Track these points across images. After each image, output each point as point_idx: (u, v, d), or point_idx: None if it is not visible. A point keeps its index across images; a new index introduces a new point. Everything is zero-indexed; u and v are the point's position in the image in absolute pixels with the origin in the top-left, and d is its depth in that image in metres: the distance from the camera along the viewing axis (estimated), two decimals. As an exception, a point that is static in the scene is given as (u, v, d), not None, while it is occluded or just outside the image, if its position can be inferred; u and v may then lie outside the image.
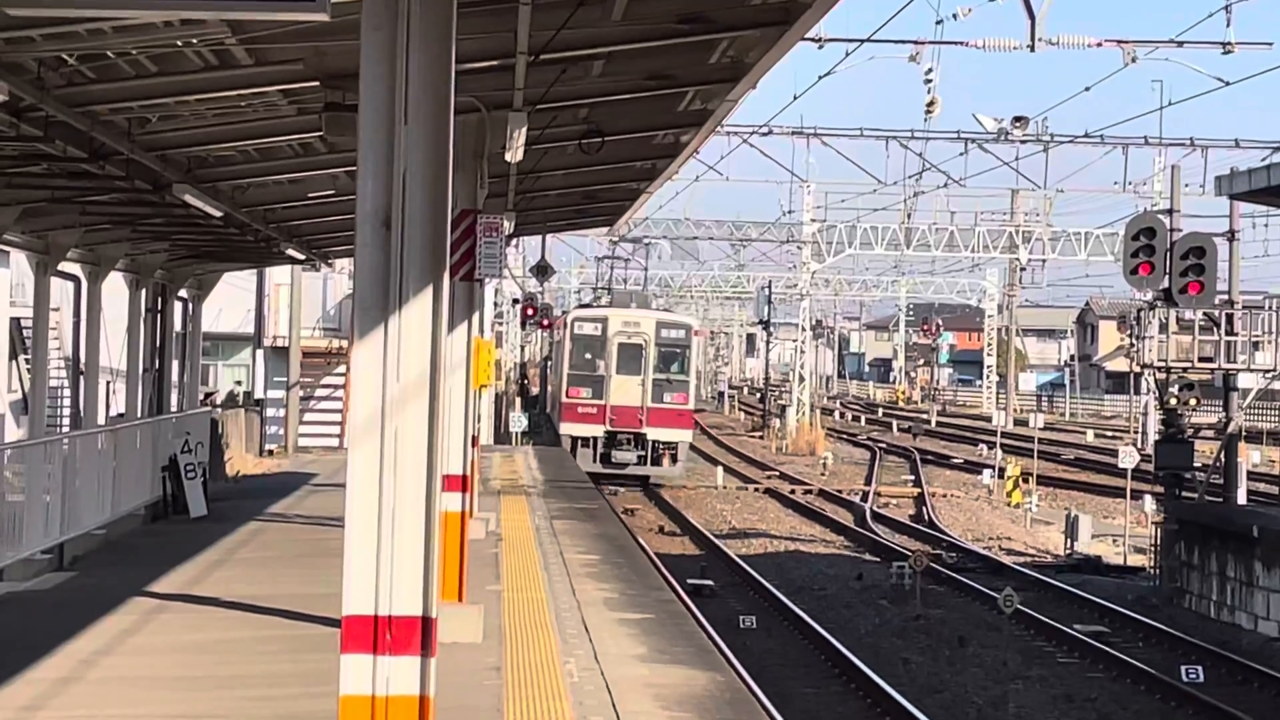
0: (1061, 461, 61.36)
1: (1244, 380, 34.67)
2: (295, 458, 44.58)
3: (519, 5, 13.24)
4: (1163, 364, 33.84)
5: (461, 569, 16.86)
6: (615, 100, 18.32)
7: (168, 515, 27.11)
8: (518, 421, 60.30)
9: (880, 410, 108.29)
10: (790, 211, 76.43)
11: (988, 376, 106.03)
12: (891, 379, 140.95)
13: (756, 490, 50.89)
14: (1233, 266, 34.75)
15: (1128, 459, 39.46)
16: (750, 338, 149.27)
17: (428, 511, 8.11)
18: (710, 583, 30.43)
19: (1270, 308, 35.71)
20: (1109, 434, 79.98)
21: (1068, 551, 37.20)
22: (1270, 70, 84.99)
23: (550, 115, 17.78)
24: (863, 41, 34.51)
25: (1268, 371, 35.87)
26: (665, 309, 62.40)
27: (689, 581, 29.59)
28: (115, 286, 28.73)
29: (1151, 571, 33.75)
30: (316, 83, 15.08)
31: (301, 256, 31.61)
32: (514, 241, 58.59)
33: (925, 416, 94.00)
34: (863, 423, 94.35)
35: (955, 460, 62.40)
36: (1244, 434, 40.58)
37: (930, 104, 38.61)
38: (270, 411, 47.62)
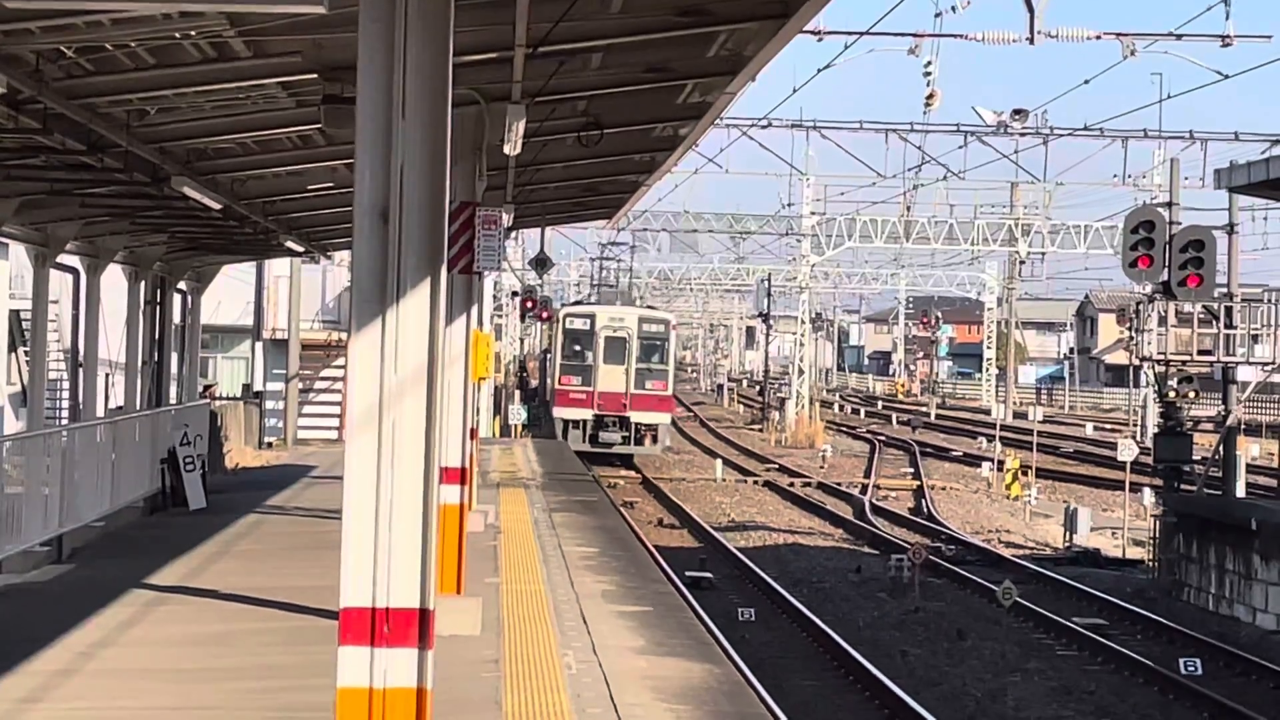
0: (1061, 454, 61.38)
1: (1243, 373, 34.68)
2: (294, 450, 44.59)
3: (517, -2, 13.24)
4: (1162, 357, 33.86)
5: (460, 561, 16.88)
6: (614, 93, 18.32)
7: (167, 507, 27.11)
8: (517, 414, 60.34)
9: (879, 403, 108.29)
10: (790, 204, 76.53)
11: (987, 369, 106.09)
12: (891, 372, 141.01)
13: (755, 483, 50.92)
14: (1232, 259, 34.77)
15: (1127, 452, 39.49)
16: (750, 330, 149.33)
17: (425, 504, 8.13)
18: (709, 575, 30.44)
19: (1269, 301, 35.73)
20: (1108, 427, 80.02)
21: (1066, 544, 37.23)
22: (1270, 63, 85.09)
23: (549, 108, 17.79)
24: (862, 34, 34.55)
25: (1267, 364, 35.89)
26: (648, 306, 67.84)
27: (688, 574, 29.60)
28: (114, 279, 28.73)
29: (1150, 564, 33.77)
30: (315, 75, 15.09)
31: (300, 249, 31.62)
32: (513, 234, 58.64)
33: (924, 409, 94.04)
34: (862, 415, 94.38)
35: (954, 453, 62.41)
36: (1243, 427, 40.60)
37: (929, 97, 38.62)
38: (269, 404, 47.64)
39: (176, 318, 33.00)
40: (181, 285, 32.74)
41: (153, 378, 30.72)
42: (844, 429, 79.23)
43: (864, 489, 48.59)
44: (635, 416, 53.72)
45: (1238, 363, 34.07)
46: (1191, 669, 23.03)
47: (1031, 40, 33.30)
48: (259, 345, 49.37)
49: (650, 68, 17.07)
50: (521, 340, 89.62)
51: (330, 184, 23.57)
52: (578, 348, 54.54)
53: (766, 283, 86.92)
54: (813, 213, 75.88)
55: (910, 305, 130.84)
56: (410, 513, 8.11)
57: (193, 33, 13.97)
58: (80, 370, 29.13)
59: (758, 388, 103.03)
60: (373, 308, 8.11)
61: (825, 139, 59.93)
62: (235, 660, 15.01)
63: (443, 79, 8.18)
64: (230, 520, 25.49)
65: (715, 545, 35.47)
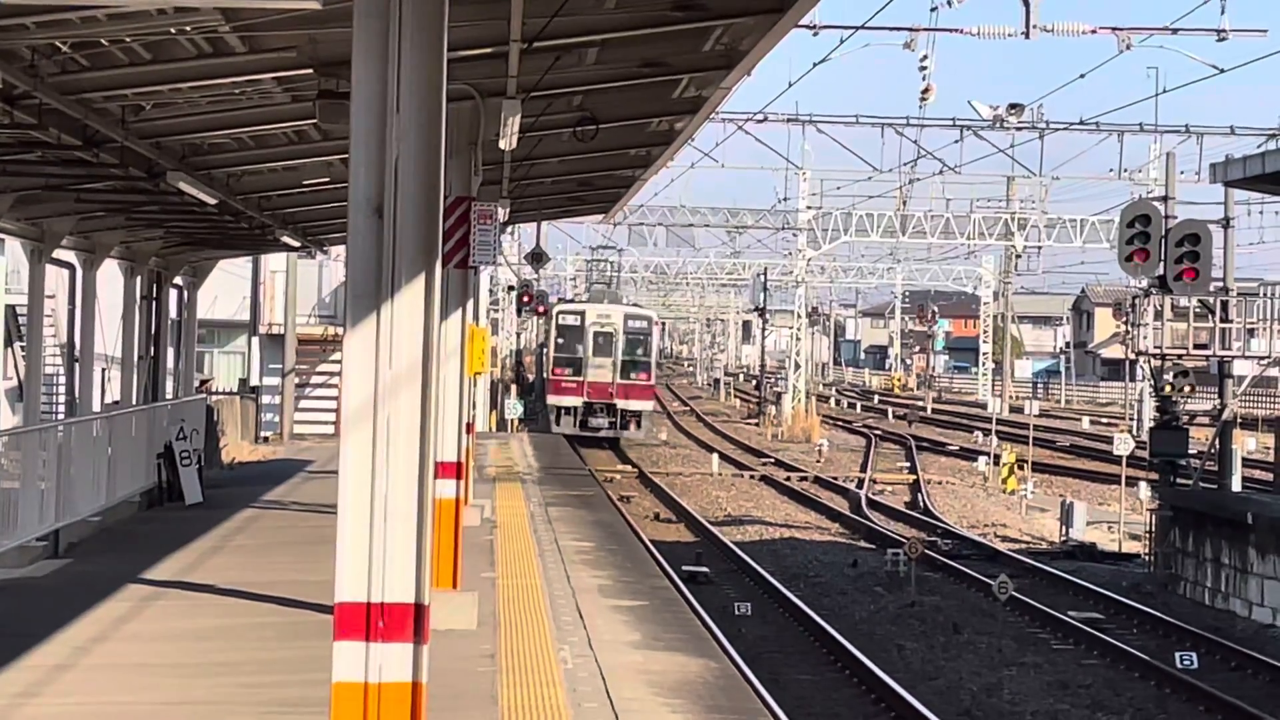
0: (1057, 448, 61.41)
1: (1239, 367, 34.71)
2: (291, 445, 44.61)
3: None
4: (1158, 351, 33.87)
5: (456, 556, 16.88)
6: (609, 88, 18.31)
7: (163, 502, 27.12)
8: (514, 408, 60.37)
9: (876, 397, 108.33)
10: (786, 198, 76.57)
11: (983, 363, 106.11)
12: (887, 366, 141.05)
13: (752, 477, 50.94)
14: (1228, 253, 34.77)
15: (1123, 446, 39.50)
16: (746, 324, 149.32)
17: (420, 499, 8.13)
18: (705, 569, 30.46)
19: (1265, 295, 35.73)
20: (1105, 421, 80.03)
21: (1063, 538, 37.24)
22: (1265, 57, 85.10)
23: (544, 103, 17.78)
24: (857, 29, 34.60)
25: (1262, 358, 35.90)
26: (634, 304, 73.14)
27: (684, 568, 29.61)
28: (110, 274, 28.73)
29: (1146, 558, 33.80)
30: (310, 70, 15.09)
31: (296, 244, 31.61)
32: (509, 229, 58.63)
33: (921, 403, 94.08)
34: (858, 410, 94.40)
35: (951, 447, 62.44)
36: (1239, 421, 40.62)
37: (925, 91, 38.64)
38: (266, 399, 47.65)
39: (173, 313, 32.99)
40: (178, 280, 32.72)
41: (149, 373, 30.71)
42: (840, 423, 79.25)
43: (860, 483, 48.60)
44: (621, 404, 59.20)
45: (1234, 357, 34.09)
46: (1187, 663, 23.05)
47: (1027, 34, 33.36)
48: (255, 340, 49.37)
49: (645, 62, 17.07)
50: (518, 335, 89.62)
51: (326, 179, 23.57)
52: (569, 342, 59.80)
53: (763, 277, 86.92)
54: (809, 207, 75.87)
55: (906, 300, 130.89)
56: (405, 508, 8.11)
57: (188, 28, 13.96)
58: (76, 365, 29.13)
59: (754, 382, 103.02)
60: (367, 303, 8.11)
61: (821, 133, 60.00)
62: (231, 655, 15.02)
63: (437, 74, 8.18)
64: (226, 515, 25.50)
65: (711, 540, 35.49)
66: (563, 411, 59.20)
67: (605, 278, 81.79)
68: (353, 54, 8.14)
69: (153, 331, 30.88)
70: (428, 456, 8.15)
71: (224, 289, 46.34)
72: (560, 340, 60.47)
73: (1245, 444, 48.59)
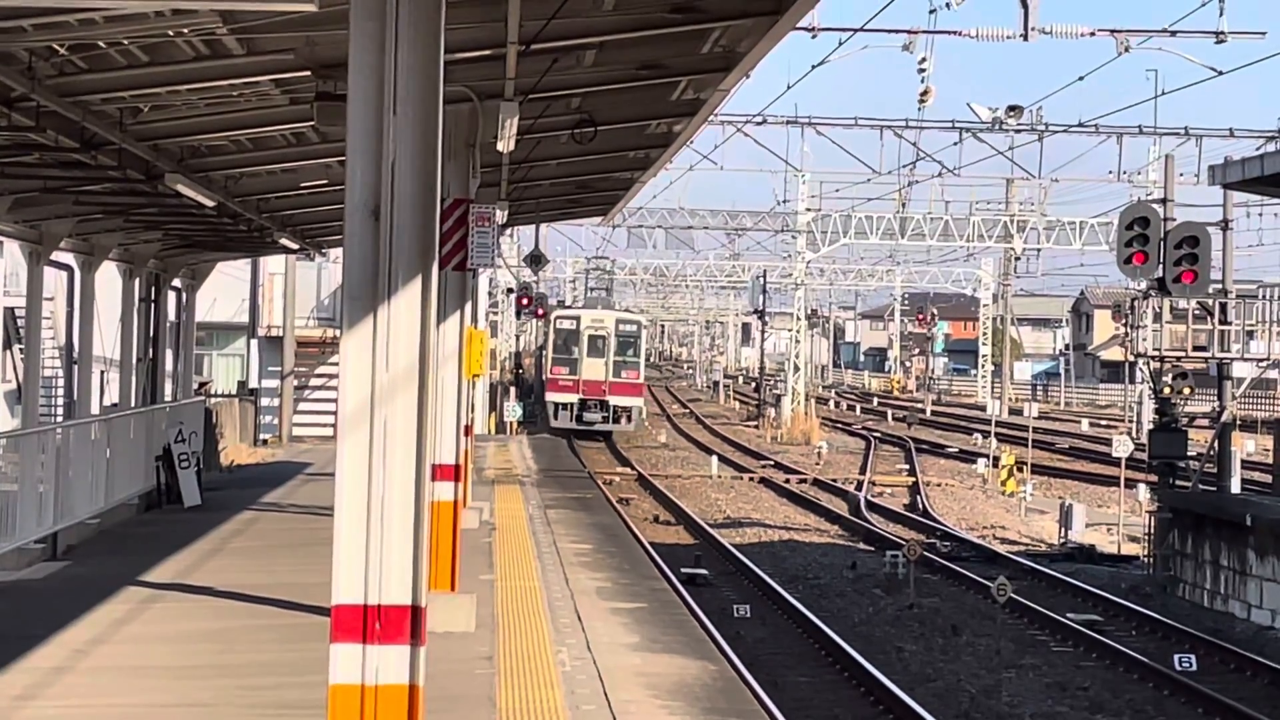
0: (1056, 450, 61.40)
1: (1238, 369, 34.71)
2: (290, 447, 44.61)
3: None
4: (1157, 353, 33.86)
5: (454, 558, 16.89)
6: (607, 90, 18.31)
7: (161, 505, 27.11)
8: (513, 411, 60.41)
9: (875, 399, 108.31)
10: (785, 200, 76.47)
11: (983, 366, 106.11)
12: (887, 368, 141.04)
13: (751, 479, 50.93)
14: (1226, 255, 34.77)
15: (1122, 448, 39.49)
16: (745, 327, 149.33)
17: (417, 501, 8.13)
18: (704, 572, 30.44)
19: (1264, 297, 35.74)
20: (1104, 423, 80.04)
21: (1062, 540, 37.24)
22: (1264, 59, 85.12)
23: (543, 105, 17.78)
24: (856, 31, 34.48)
25: (1261, 360, 35.90)
26: (625, 309, 79.60)
27: (683, 570, 29.60)
28: (109, 276, 28.72)
29: (1145, 560, 33.79)
30: (308, 72, 15.09)
31: (295, 246, 31.60)
32: (508, 231, 58.69)
33: (920, 406, 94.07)
34: (858, 412, 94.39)
35: (950, 449, 62.43)
36: (1238, 423, 40.63)
37: (924, 93, 38.64)
38: (265, 401, 47.64)
39: (171, 315, 32.96)
40: (176, 282, 32.71)
41: (148, 375, 30.69)
42: (839, 425, 79.24)
43: (859, 485, 48.60)
44: (613, 400, 64.40)
45: (1232, 359, 34.09)
46: (1186, 665, 23.04)
47: (1026, 37, 33.36)
48: (254, 342, 49.36)
49: (644, 65, 17.07)
50: (517, 337, 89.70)
51: (324, 181, 23.56)
52: (566, 344, 65.29)
53: (762, 279, 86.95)
54: (808, 209, 75.87)
55: (906, 302, 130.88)
56: (402, 510, 8.11)
57: (185, 30, 13.96)
58: (75, 367, 29.12)
59: (753, 384, 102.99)
60: (364, 305, 8.11)
61: (820, 135, 59.94)
62: (230, 657, 15.02)
63: (434, 76, 8.18)
64: (225, 517, 25.50)
65: (711, 542, 35.48)
66: (560, 407, 64.38)
67: (601, 285, 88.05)
68: (349, 56, 8.14)
69: (151, 334, 30.85)
70: (424, 459, 8.16)
71: (223, 291, 46.32)
72: (558, 342, 65.77)
73: (1244, 446, 48.58)
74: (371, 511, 8.10)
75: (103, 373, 36.99)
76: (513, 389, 71.05)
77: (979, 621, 26.65)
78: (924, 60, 38.31)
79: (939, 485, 49.71)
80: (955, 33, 37.82)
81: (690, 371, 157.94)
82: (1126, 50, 37.69)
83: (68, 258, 27.65)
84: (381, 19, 8.10)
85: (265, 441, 45.74)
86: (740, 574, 31.27)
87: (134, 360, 29.30)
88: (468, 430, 24.00)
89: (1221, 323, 33.57)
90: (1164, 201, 34.26)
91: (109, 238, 26.32)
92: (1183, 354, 34.09)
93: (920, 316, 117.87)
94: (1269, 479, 38.46)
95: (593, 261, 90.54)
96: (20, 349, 36.97)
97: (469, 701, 12.98)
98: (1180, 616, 27.60)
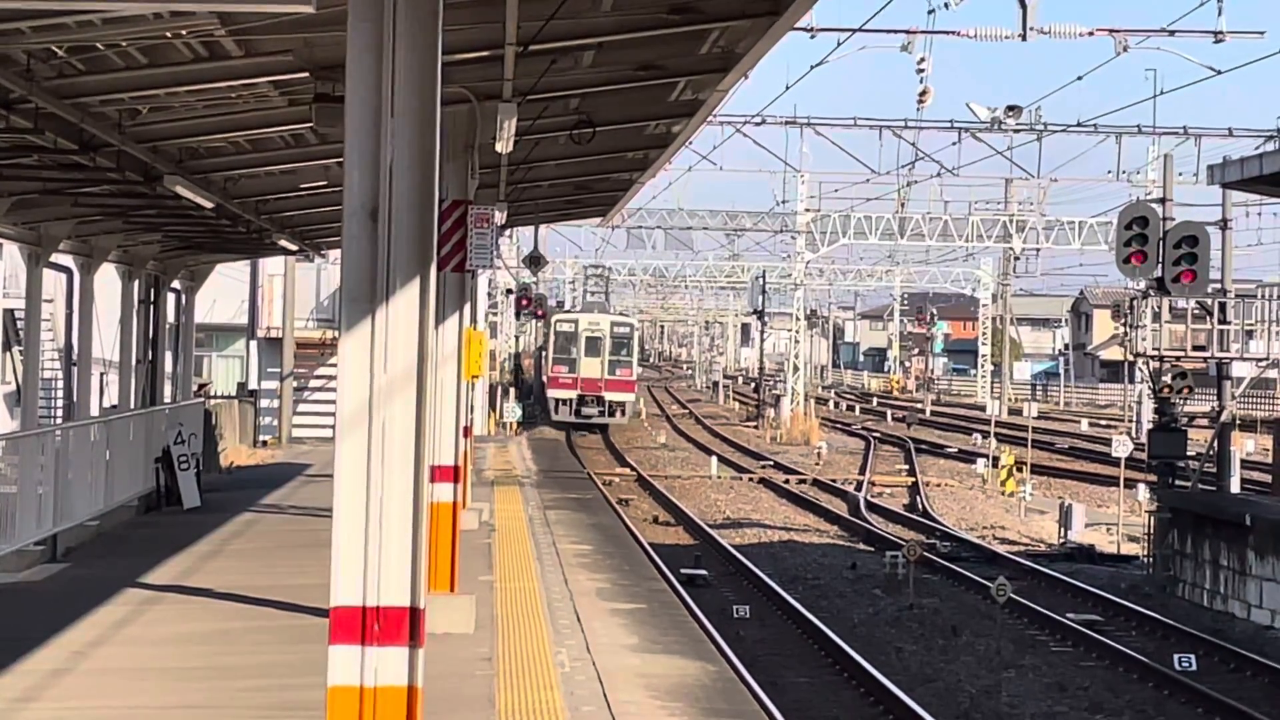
0: (1056, 450, 61.39)
1: (1237, 369, 34.71)
2: (289, 449, 44.61)
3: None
4: (1156, 353, 33.86)
5: (453, 560, 16.89)
6: (606, 91, 18.31)
7: (161, 506, 27.11)
8: (512, 412, 60.40)
9: (875, 400, 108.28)
10: (784, 201, 76.46)
11: (982, 366, 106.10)
12: (886, 368, 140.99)
13: (751, 480, 50.93)
14: (1225, 255, 34.77)
15: (1121, 448, 39.49)
16: (745, 327, 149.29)
17: (416, 502, 8.13)
18: (704, 572, 30.44)
19: (1263, 296, 35.74)
20: (1103, 423, 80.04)
21: (1061, 540, 37.24)
22: (1263, 59, 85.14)
23: (541, 106, 17.78)
24: (854, 31, 34.52)
25: (1261, 360, 35.90)
26: (620, 313, 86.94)
27: (682, 571, 29.60)
28: (108, 278, 28.73)
29: (1145, 560, 33.79)
30: (306, 74, 15.09)
31: (294, 247, 31.62)
32: (507, 232, 58.71)
33: (920, 406, 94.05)
34: (857, 412, 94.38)
35: (949, 449, 62.42)
36: (1237, 422, 40.64)
37: (923, 93, 38.65)
38: (264, 402, 47.64)
39: (171, 316, 32.97)
40: (175, 284, 32.72)
41: (147, 376, 30.70)
42: (839, 426, 79.24)
43: (859, 486, 48.59)
44: (608, 396, 70.39)
45: (1232, 358, 34.08)
46: (1186, 665, 23.04)
47: (1024, 37, 33.39)
48: (253, 344, 49.36)
49: (642, 65, 17.07)
50: (517, 338, 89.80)
51: (323, 182, 23.57)
52: (565, 344, 71.40)
53: (761, 280, 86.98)
54: (807, 209, 75.86)
55: (905, 302, 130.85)
56: (400, 512, 8.11)
57: (184, 32, 13.96)
58: (74, 369, 29.12)
59: (753, 385, 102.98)
60: (362, 307, 8.11)
61: (819, 135, 59.91)
62: (229, 659, 15.02)
63: (432, 77, 8.18)
64: (225, 519, 25.50)
65: (710, 542, 35.47)
66: (560, 402, 70.39)
67: (599, 291, 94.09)
68: (347, 58, 8.14)
69: (151, 335, 30.86)
70: (423, 460, 8.16)
71: (222, 293, 46.34)
72: (558, 343, 71.83)
73: (1244, 446, 48.59)
74: (370, 513, 8.10)
75: (102, 374, 36.99)
76: (512, 390, 71.13)
77: (979, 622, 26.64)
78: (922, 60, 38.34)
79: (938, 485, 49.71)
80: (954, 33, 37.86)
81: (690, 372, 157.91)
82: (1125, 50, 37.71)
83: (67, 260, 27.65)
84: (379, 20, 8.10)
85: (265, 443, 45.74)
86: (740, 575, 31.26)
87: (133, 362, 29.31)
88: (467, 431, 24.01)
89: (1221, 322, 33.56)
90: (1163, 201, 34.27)
91: (108, 239, 26.33)
92: (1182, 354, 34.09)
93: (919, 316, 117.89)
94: (1268, 479, 38.46)
95: (590, 270, 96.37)
96: (20, 351, 36.98)
97: (468, 702, 12.98)
98: (1180, 616, 27.60)
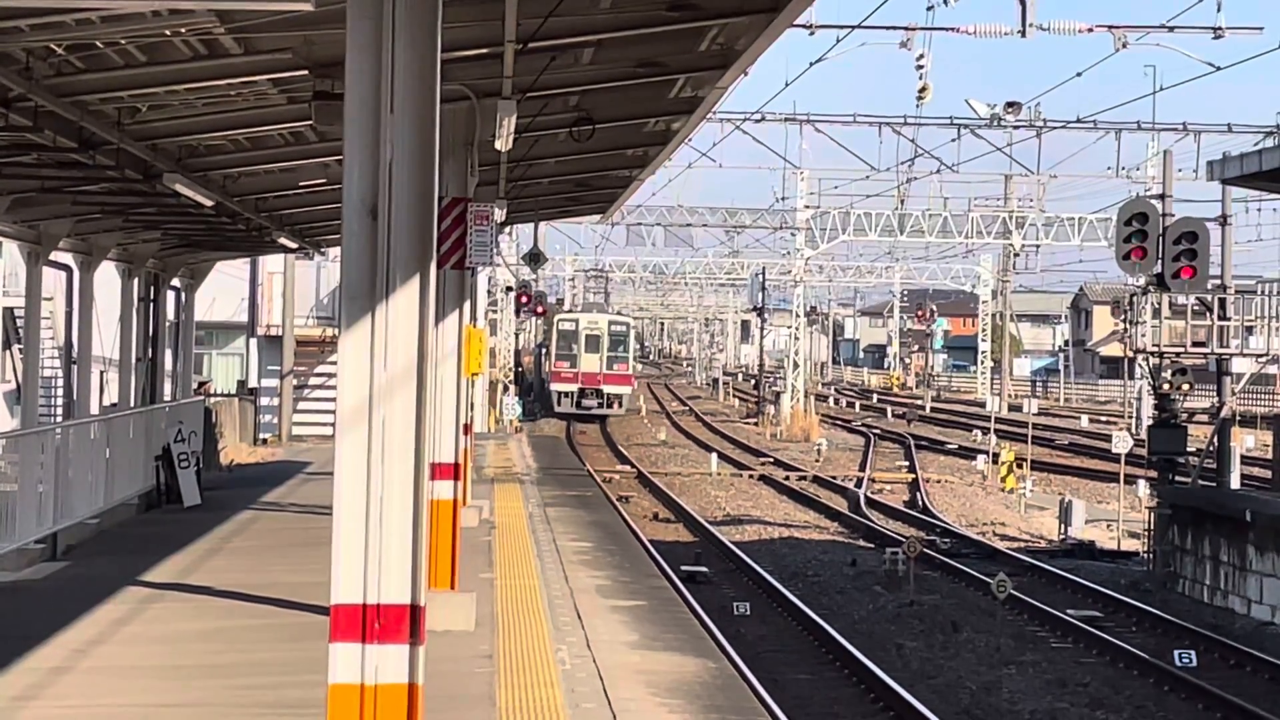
0: (1056, 447, 61.39)
1: (1237, 365, 34.68)
2: (289, 446, 44.60)
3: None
4: (1156, 349, 33.85)
5: (454, 557, 16.88)
6: (605, 88, 18.31)
7: (161, 504, 27.11)
8: (512, 409, 60.36)
9: (875, 396, 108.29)
10: (784, 198, 76.45)
11: (982, 362, 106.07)
12: (886, 365, 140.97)
13: (751, 477, 50.92)
14: (1225, 251, 34.75)
15: (1121, 444, 39.48)
16: (744, 324, 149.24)
17: (416, 500, 8.13)
18: (704, 569, 30.44)
19: (1263, 292, 35.73)
20: (1103, 419, 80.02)
21: (1061, 537, 37.23)
22: (1262, 54, 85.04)
23: (540, 103, 17.78)
24: (854, 28, 34.63)
25: (1261, 356, 35.90)
26: (617, 312, 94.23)
27: (683, 568, 29.59)
28: (108, 276, 28.73)
29: (1145, 556, 33.78)
30: (306, 72, 15.08)
31: (294, 245, 31.60)
32: (507, 229, 58.70)
33: (920, 402, 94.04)
34: (857, 409, 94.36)
35: (950, 446, 62.42)
36: (1237, 418, 40.63)
37: (922, 90, 38.64)
38: (264, 400, 47.63)
39: (170, 314, 32.97)
40: (175, 282, 32.71)
41: (147, 375, 30.70)
42: (839, 422, 79.25)
43: (859, 482, 48.58)
44: (607, 389, 76.70)
45: (1232, 354, 34.07)
46: (1186, 661, 23.04)
47: (1023, 33, 33.38)
48: (253, 341, 49.34)
49: (641, 62, 17.06)
50: (517, 335, 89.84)
51: (323, 180, 23.56)
52: (567, 342, 77.67)
53: (761, 276, 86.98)
54: (807, 206, 75.83)
55: (905, 298, 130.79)
56: (401, 509, 8.11)
57: (183, 30, 13.95)
58: (74, 367, 29.11)
59: (753, 382, 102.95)
60: (362, 304, 8.11)
61: (819, 132, 60.01)
62: (229, 657, 15.02)
63: (431, 75, 8.18)
64: (225, 517, 25.50)
65: (710, 539, 35.47)
66: (562, 395, 76.67)
67: (598, 291, 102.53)
68: (346, 55, 8.14)
69: (150, 333, 30.86)
70: (423, 457, 8.16)
71: (222, 291, 46.32)
72: (560, 341, 78.15)
73: (1244, 441, 48.58)
74: (370, 511, 8.09)
75: (102, 373, 36.99)
76: (512, 386, 71.07)
77: (979, 618, 26.64)
78: (922, 57, 38.34)
79: (939, 482, 49.71)
80: (953, 29, 37.85)
81: (690, 369, 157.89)
82: (1124, 46, 37.70)
83: (66, 258, 27.65)
84: (378, 18, 8.10)
85: (265, 441, 45.72)
86: (740, 571, 31.26)
87: (133, 360, 29.30)
88: (467, 429, 24.00)
89: (1220, 318, 33.54)
90: (1162, 197, 34.25)
91: (108, 237, 26.32)
92: (1182, 350, 34.07)
93: (919, 313, 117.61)
94: (1268, 474, 38.46)
95: (590, 273, 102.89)
96: (19, 349, 36.98)
97: (469, 700, 12.98)
98: (1180, 612, 27.60)
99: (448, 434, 17.11)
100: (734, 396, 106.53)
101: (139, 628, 16.27)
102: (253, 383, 48.18)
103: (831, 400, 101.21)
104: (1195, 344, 34.14)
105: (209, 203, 21.77)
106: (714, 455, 54.92)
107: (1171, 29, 38.00)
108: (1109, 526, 39.18)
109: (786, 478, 50.09)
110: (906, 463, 55.64)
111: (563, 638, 15.78)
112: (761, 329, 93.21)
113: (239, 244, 31.38)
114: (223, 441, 38.32)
